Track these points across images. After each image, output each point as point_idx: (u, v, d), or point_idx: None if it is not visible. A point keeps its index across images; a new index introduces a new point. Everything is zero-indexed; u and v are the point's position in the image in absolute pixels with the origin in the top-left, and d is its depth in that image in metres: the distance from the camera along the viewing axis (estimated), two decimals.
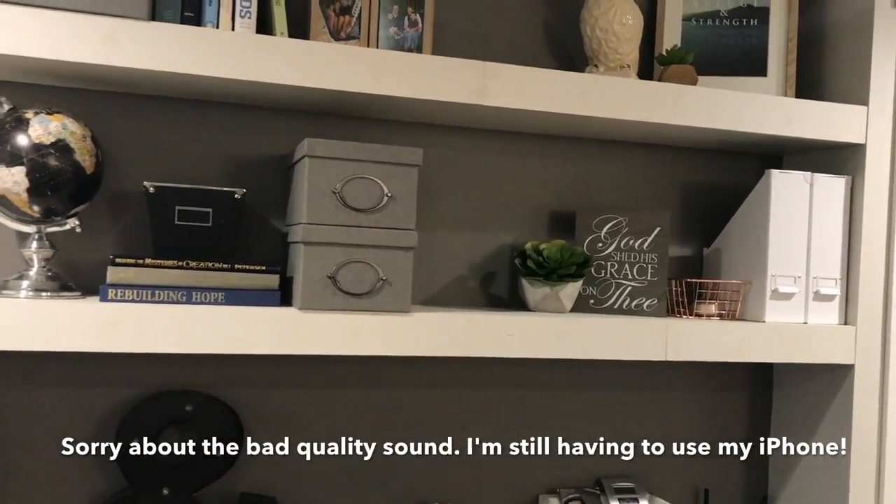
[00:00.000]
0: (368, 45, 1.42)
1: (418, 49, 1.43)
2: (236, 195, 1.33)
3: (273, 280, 1.30)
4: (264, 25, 1.33)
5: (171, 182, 1.32)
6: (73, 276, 1.33)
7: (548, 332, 1.39)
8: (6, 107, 1.25)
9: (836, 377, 1.59)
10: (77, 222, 1.27)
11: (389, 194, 1.30)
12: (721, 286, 1.58)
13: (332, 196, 1.28)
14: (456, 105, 1.37)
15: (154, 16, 1.24)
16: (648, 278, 1.53)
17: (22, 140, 1.20)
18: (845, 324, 1.58)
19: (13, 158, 1.19)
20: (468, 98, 1.35)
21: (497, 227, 1.60)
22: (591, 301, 1.55)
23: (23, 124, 1.21)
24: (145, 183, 1.29)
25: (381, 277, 1.30)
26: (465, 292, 1.58)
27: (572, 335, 1.40)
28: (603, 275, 1.55)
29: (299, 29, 1.38)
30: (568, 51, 1.64)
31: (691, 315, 1.55)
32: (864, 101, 1.56)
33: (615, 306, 1.54)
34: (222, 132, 1.45)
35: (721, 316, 1.55)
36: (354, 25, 1.42)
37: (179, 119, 1.43)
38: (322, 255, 1.28)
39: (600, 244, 1.56)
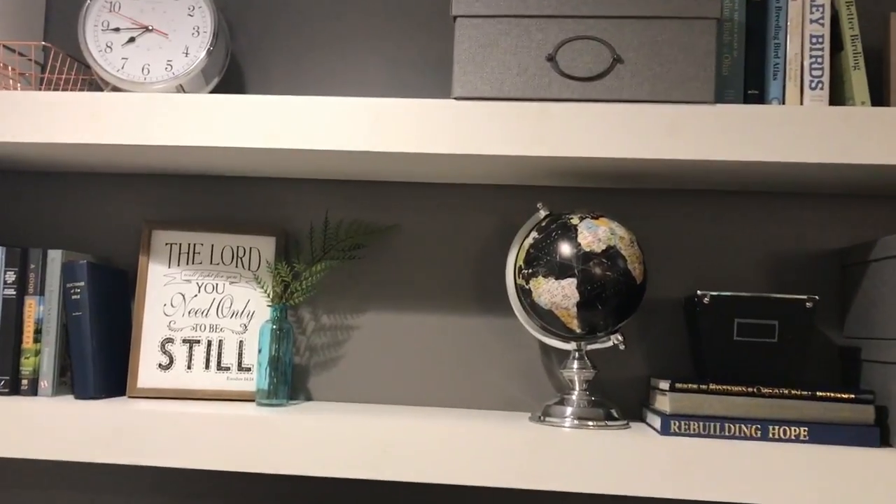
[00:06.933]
0: None
1: None
2: (808, 304, 1.08)
3: (867, 412, 1.02)
4: (837, 95, 1.09)
5: (709, 289, 1.12)
6: (605, 398, 1.16)
7: None
8: (543, 213, 1.14)
9: None
10: (620, 338, 1.11)
11: None
12: None
13: None
14: None
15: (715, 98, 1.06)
16: None
17: (570, 249, 1.07)
18: None
19: (563, 270, 1.06)
20: None
21: None
22: None
23: (570, 231, 1.08)
24: (699, 292, 1.09)
25: None
26: None
27: None
28: None
29: (876, 95, 1.13)
30: None
31: None
32: None
33: None
34: (760, 226, 1.22)
35: None
36: None
37: (714, 212, 1.23)
38: None
39: None
